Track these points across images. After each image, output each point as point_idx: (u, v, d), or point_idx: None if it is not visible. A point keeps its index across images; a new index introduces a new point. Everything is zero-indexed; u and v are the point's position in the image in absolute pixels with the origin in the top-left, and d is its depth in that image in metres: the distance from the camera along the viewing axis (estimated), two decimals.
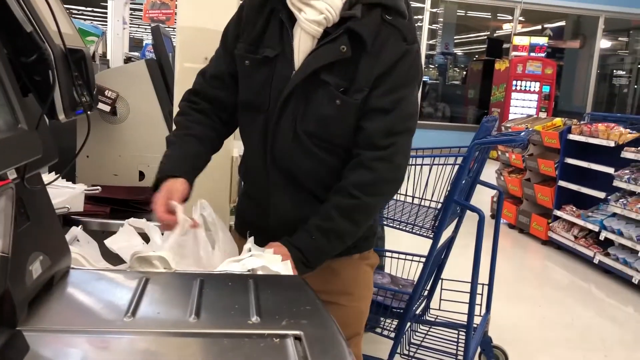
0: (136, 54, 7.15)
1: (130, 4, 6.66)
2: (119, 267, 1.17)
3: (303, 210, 1.44)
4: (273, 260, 1.18)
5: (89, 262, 1.13)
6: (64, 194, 1.73)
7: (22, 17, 0.76)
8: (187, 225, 1.28)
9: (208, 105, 1.55)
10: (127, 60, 4.74)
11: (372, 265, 1.68)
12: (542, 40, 11.55)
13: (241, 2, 1.58)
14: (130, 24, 7.91)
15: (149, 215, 1.57)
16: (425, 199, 2.64)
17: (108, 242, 1.31)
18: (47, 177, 1.72)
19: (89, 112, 0.90)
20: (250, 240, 1.32)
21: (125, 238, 1.34)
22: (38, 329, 0.81)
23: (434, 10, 12.43)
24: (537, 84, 10.80)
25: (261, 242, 1.36)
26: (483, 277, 2.68)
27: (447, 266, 2.92)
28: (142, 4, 6.94)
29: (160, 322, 0.88)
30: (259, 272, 1.12)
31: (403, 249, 2.94)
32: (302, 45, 1.39)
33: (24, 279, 0.81)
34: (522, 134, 2.59)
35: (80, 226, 1.36)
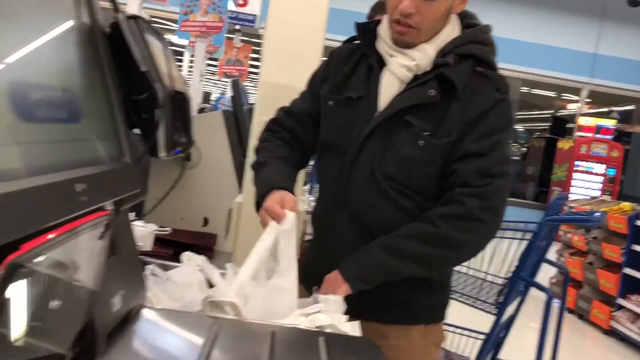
0: (208, 105, 7.39)
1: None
2: (187, 308, 1.15)
3: None
4: (340, 321, 1.14)
5: (160, 302, 1.13)
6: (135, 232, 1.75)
7: (139, 57, 0.79)
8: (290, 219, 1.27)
9: (289, 135, 1.54)
10: (201, 111, 4.89)
11: (437, 344, 1.53)
12: (610, 123, 11.29)
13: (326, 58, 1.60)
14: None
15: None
16: (489, 273, 2.56)
17: (172, 273, 1.30)
18: None
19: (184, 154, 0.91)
20: (316, 294, 1.28)
21: (188, 272, 1.34)
22: None
23: None
24: (603, 166, 10.50)
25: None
26: None
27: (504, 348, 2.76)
28: (217, 60, 7.22)
29: None
30: (327, 330, 1.09)
31: (460, 323, 2.82)
32: (388, 87, 1.39)
33: (107, 311, 0.81)
34: (596, 214, 2.49)
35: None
